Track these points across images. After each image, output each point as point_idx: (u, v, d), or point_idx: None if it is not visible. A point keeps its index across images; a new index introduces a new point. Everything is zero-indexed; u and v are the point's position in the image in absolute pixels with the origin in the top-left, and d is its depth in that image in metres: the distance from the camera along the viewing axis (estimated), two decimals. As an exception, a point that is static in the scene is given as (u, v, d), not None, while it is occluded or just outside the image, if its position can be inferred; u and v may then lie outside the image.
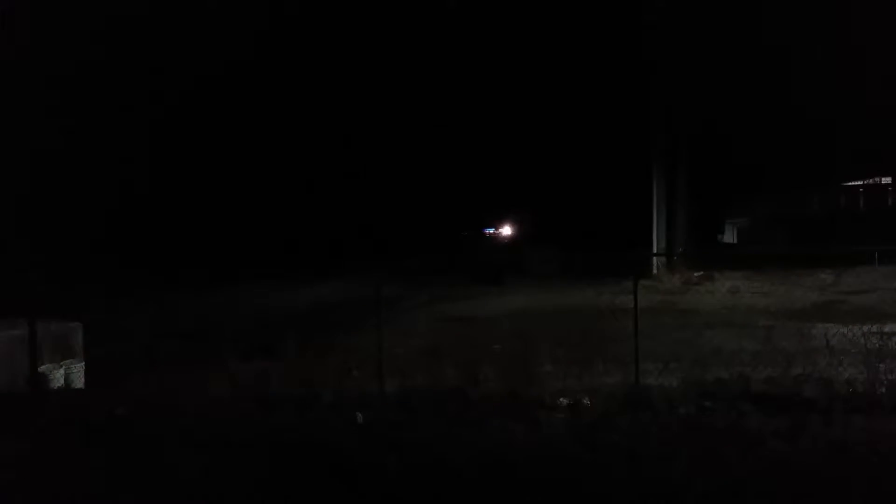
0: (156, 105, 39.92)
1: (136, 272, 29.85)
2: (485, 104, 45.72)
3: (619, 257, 24.07)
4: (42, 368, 11.65)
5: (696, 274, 27.57)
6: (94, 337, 13.20)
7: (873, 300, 19.99)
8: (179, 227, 40.54)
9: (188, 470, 7.70)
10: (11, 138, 31.78)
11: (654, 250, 31.66)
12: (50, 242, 31.66)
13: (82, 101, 36.75)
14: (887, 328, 13.02)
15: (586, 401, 9.50)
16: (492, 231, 41.19)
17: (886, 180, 44.24)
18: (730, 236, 49.26)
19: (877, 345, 11.04)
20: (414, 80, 46.09)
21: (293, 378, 11.02)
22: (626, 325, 10.94)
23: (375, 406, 9.66)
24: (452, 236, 39.89)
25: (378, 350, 10.46)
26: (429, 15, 43.16)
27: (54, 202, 36.12)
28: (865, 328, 12.21)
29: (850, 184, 45.19)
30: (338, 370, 11.78)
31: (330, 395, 10.22)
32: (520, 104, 45.26)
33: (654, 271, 28.72)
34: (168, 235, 39.13)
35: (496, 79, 45.29)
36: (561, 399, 9.60)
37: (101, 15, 34.80)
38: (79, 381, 12.24)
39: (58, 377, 11.89)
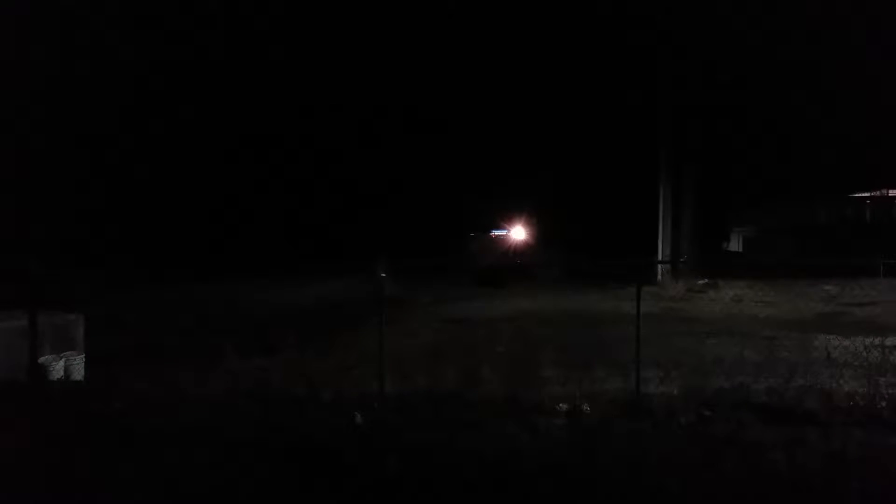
0: (157, 103, 39.88)
1: (138, 266, 29.84)
2: (500, 109, 45.78)
3: (623, 263, 24.02)
4: (42, 360, 11.64)
5: (700, 282, 27.54)
6: (95, 329, 13.17)
7: (876, 312, 19.93)
8: (183, 223, 40.53)
9: (185, 467, 7.67)
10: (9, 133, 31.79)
11: (660, 257, 31.61)
12: (54, 236, 31.64)
13: (82, 95, 36.68)
14: (889, 341, 12.95)
15: (586, 407, 9.46)
16: (499, 233, 41.14)
17: (893, 192, 44.14)
18: (735, 245, 49.21)
19: (878, 358, 10.98)
20: (433, 84, 46.13)
21: (293, 376, 10.99)
22: (628, 330, 10.89)
23: (375, 407, 9.64)
24: (460, 238, 39.86)
25: (379, 350, 10.42)
26: (456, 23, 43.22)
27: (58, 197, 36.04)
28: (867, 341, 12.18)
29: (856, 195, 45.13)
30: (338, 369, 11.76)
31: (329, 394, 10.20)
32: (534, 110, 45.26)
33: (659, 278, 28.66)
34: (172, 231, 39.10)
35: (512, 84, 45.36)
36: (561, 404, 9.56)
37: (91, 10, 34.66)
38: (78, 374, 12.21)
39: (57, 369, 11.87)
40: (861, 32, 30.85)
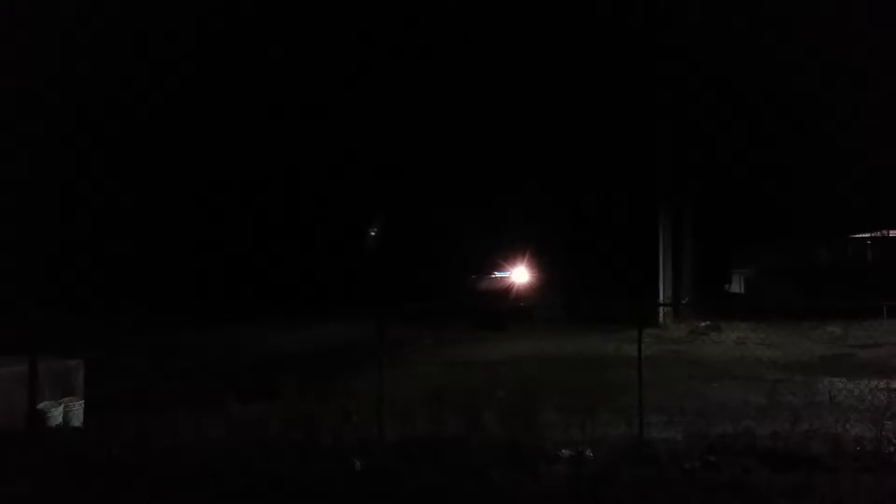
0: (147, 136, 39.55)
1: (139, 310, 29.76)
2: (501, 150, 45.74)
3: (624, 305, 23.92)
4: (41, 406, 11.57)
5: (702, 324, 27.38)
6: (94, 374, 13.08)
7: (881, 355, 19.77)
8: (180, 265, 40.31)
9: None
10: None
11: (661, 299, 31.44)
12: (50, 278, 31.53)
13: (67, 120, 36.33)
14: (895, 384, 12.85)
15: (589, 453, 9.36)
16: (500, 275, 41.07)
17: (894, 233, 44.11)
18: (737, 286, 49.08)
19: (884, 401, 10.88)
20: (430, 123, 46.10)
21: (293, 421, 10.89)
22: (630, 374, 10.81)
23: (374, 453, 9.53)
24: (461, 279, 39.80)
25: (378, 394, 10.33)
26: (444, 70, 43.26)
27: (51, 238, 35.67)
28: (873, 383, 12.09)
29: (857, 236, 45.10)
30: (337, 414, 11.64)
31: (328, 439, 10.10)
32: (536, 152, 45.25)
33: (661, 320, 28.55)
34: (170, 274, 38.92)
35: (511, 124, 45.29)
36: (563, 450, 9.45)
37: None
38: (77, 420, 12.09)
39: (56, 415, 11.76)
40: (861, 71, 30.92)
